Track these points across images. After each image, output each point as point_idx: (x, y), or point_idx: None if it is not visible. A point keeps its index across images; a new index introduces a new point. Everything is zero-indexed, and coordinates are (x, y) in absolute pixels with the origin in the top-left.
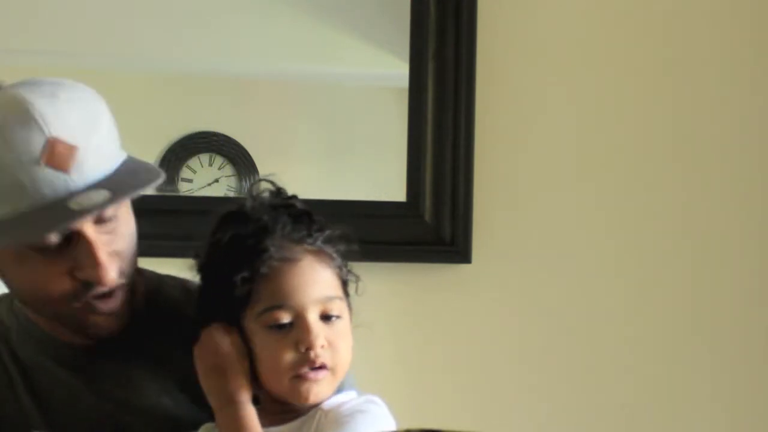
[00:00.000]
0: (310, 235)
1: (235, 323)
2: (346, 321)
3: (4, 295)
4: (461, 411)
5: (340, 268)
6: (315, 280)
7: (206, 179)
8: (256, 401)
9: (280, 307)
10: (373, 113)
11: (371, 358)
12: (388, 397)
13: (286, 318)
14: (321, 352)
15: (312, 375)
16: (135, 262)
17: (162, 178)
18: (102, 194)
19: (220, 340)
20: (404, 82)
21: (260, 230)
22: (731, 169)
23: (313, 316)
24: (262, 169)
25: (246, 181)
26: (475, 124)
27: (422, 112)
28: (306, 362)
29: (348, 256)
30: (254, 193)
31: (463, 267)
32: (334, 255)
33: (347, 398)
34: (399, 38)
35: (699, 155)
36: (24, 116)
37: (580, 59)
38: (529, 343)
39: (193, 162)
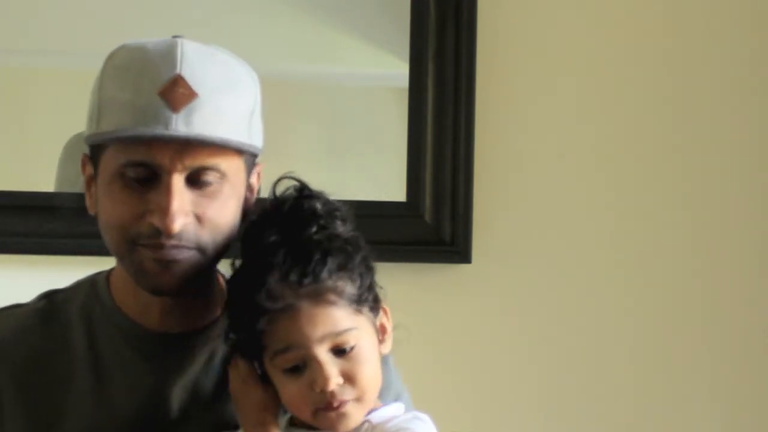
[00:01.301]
0: (305, 275)
1: (258, 360)
2: (365, 345)
3: (84, 281)
4: (461, 411)
5: (349, 298)
6: (316, 323)
7: None
8: None
9: (287, 350)
10: (373, 113)
11: None
12: None
13: (295, 361)
14: (338, 390)
15: (333, 412)
16: (217, 242)
17: (260, 151)
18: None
19: (240, 371)
20: (404, 82)
21: (257, 276)
22: (732, 169)
23: (323, 355)
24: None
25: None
26: (475, 124)
27: (422, 112)
28: (324, 401)
29: (368, 271)
30: (278, 194)
31: (463, 267)
32: (340, 286)
33: (395, 412)
34: (399, 38)
35: (701, 155)
36: (169, 49)
37: (581, 59)
38: (528, 344)
39: None
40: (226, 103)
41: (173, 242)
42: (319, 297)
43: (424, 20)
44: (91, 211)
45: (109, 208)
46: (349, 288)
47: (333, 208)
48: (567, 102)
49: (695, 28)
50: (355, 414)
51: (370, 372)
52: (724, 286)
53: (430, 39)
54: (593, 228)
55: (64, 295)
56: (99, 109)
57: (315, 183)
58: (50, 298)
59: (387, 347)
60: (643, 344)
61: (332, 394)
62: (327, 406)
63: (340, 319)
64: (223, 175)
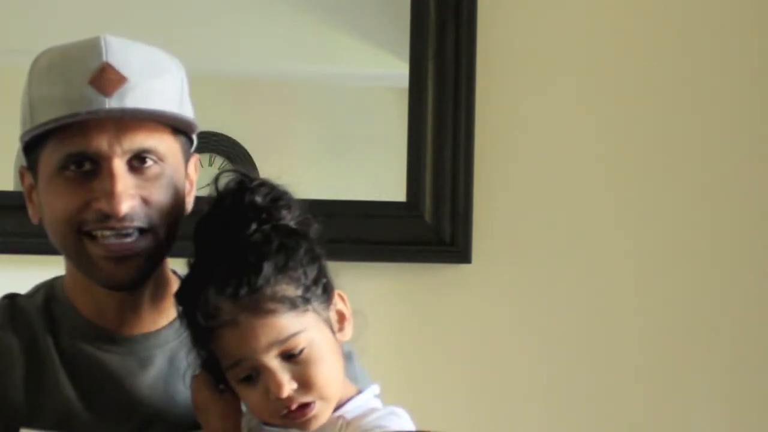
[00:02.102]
0: (241, 286)
1: (219, 372)
2: (316, 343)
3: (43, 283)
4: (461, 411)
5: (291, 302)
6: (258, 335)
7: (206, 179)
8: None
9: (237, 364)
10: (373, 113)
11: (370, 358)
12: (387, 398)
13: (248, 371)
14: (294, 395)
15: (295, 416)
16: (169, 224)
17: (195, 128)
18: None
19: (201, 382)
20: (404, 82)
21: (196, 292)
22: (735, 167)
23: (272, 363)
24: (262, 169)
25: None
26: (475, 124)
27: (422, 112)
28: (283, 407)
29: (313, 263)
30: (220, 189)
31: (463, 267)
32: (279, 291)
33: (370, 403)
34: (399, 38)
35: (701, 155)
36: (93, 41)
37: (581, 59)
38: (529, 343)
39: None
40: (155, 85)
41: (125, 223)
42: (258, 307)
43: (424, 20)
44: (35, 220)
45: (52, 204)
46: (291, 290)
47: (276, 197)
48: (567, 102)
49: (697, 28)
50: (320, 413)
51: (324, 371)
52: (726, 285)
53: (430, 39)
54: (593, 228)
55: (24, 298)
56: (31, 109)
57: (315, 183)
58: (12, 299)
59: (347, 334)
60: (644, 343)
61: (289, 399)
62: (287, 411)
63: (282, 326)
64: (162, 158)
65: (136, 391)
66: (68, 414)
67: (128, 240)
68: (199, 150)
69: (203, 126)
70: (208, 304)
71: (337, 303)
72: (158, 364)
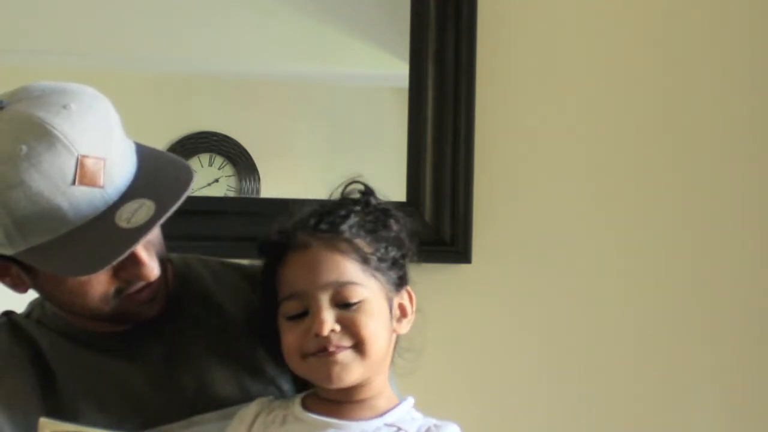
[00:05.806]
0: (322, 221)
1: (273, 322)
2: (372, 304)
3: (32, 303)
4: (461, 411)
5: (364, 257)
6: (321, 267)
7: (206, 179)
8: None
9: (291, 297)
10: (373, 113)
11: None
12: None
13: (298, 308)
14: (334, 336)
15: (327, 357)
16: (163, 241)
17: (193, 174)
18: (145, 205)
19: None
20: (404, 82)
21: (281, 229)
22: (733, 167)
23: (323, 301)
24: (262, 169)
25: (246, 182)
26: (475, 124)
27: (422, 112)
28: (319, 346)
29: (396, 249)
30: (344, 191)
31: (463, 267)
32: (356, 242)
33: (413, 412)
34: (399, 38)
35: (700, 154)
36: (48, 139)
37: (580, 59)
38: (528, 343)
39: (193, 162)
40: (117, 141)
41: (155, 277)
42: (331, 243)
43: (424, 20)
44: (22, 290)
45: (71, 289)
46: (366, 248)
47: (390, 210)
48: (567, 102)
49: (696, 27)
50: (351, 366)
51: (372, 327)
52: (721, 285)
53: (430, 39)
54: (593, 228)
55: (19, 315)
56: (16, 227)
57: (315, 183)
58: (8, 316)
59: (403, 328)
60: (642, 342)
61: (327, 339)
62: (322, 349)
63: (346, 269)
64: None
65: (141, 385)
66: (80, 419)
67: (151, 286)
68: (199, 150)
69: (203, 126)
70: (286, 231)
71: (404, 297)
72: (155, 353)
